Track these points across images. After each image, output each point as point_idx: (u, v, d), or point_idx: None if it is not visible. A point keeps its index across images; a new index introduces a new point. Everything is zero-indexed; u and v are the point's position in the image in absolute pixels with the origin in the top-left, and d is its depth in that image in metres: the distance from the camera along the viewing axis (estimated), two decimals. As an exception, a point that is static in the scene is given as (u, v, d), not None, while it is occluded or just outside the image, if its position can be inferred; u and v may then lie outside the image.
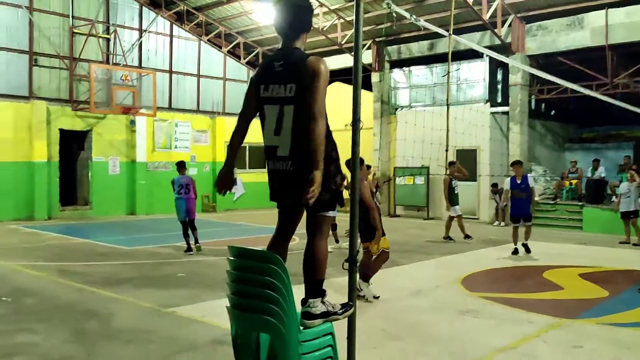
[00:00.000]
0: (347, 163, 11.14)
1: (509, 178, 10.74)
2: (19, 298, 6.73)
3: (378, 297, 6.80)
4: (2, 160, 15.57)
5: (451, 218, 12.47)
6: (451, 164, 12.45)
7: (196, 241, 10.34)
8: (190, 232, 10.28)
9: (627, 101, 14.00)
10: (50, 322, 5.69)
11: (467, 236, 12.22)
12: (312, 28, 3.59)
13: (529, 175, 10.68)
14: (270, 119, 3.34)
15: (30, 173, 15.92)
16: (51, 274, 8.26)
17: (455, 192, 12.49)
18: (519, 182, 10.43)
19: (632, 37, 14.08)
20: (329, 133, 3.35)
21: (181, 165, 10.65)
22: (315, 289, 3.33)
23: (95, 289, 7.27)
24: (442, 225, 13.01)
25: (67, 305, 6.43)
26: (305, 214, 3.45)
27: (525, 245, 10.36)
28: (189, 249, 10.26)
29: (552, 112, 20.88)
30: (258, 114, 3.48)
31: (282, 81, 3.27)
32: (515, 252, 10.39)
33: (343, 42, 18.19)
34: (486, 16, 14.78)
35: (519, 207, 10.51)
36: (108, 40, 17.80)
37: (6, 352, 4.77)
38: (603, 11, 14.35)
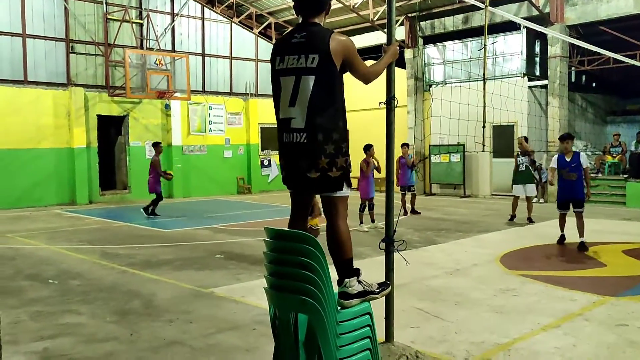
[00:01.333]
0: (366, 148, 11.24)
1: (557, 155, 9.11)
2: (64, 280, 6.95)
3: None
4: (44, 147, 16.03)
5: (515, 198, 11.78)
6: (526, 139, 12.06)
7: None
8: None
9: (674, 70, 13.43)
10: (94, 304, 5.86)
11: (529, 219, 11.56)
12: (329, 9, 3.54)
13: (581, 152, 8.96)
14: (286, 91, 3.30)
15: (71, 159, 16.36)
16: (94, 256, 8.51)
17: (520, 170, 11.72)
18: (568, 160, 8.70)
19: (679, 3, 13.42)
20: (344, 108, 3.32)
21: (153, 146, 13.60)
22: (347, 269, 3.32)
23: (136, 270, 7.45)
24: (479, 202, 12.82)
25: (110, 286, 6.61)
26: (320, 196, 3.43)
27: (582, 244, 8.54)
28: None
29: (594, 84, 20.20)
30: (272, 89, 3.44)
31: (304, 52, 3.24)
32: (562, 240, 8.97)
33: (375, 19, 17.89)
34: (523, -14, 14.30)
35: (568, 191, 8.72)
36: (141, 25, 17.99)
37: (53, 332, 4.94)
38: (648, -24, 13.70)
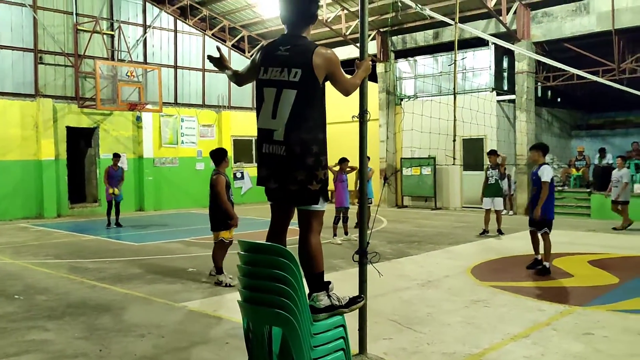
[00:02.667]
0: (341, 161, 10.97)
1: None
2: (31, 295, 6.79)
3: (232, 278, 7.03)
4: (11, 159, 15.67)
5: (487, 211, 11.80)
6: (490, 153, 12.00)
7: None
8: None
9: (634, 86, 13.90)
10: (62, 319, 5.74)
11: (498, 230, 11.72)
12: (316, 21, 3.60)
13: (545, 165, 7.93)
14: (268, 102, 3.34)
15: (39, 171, 16.02)
16: (62, 271, 8.33)
17: (489, 183, 11.79)
18: (533, 171, 8.17)
19: (639, 21, 13.93)
20: (324, 122, 3.37)
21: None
22: (317, 283, 3.34)
23: (106, 285, 7.32)
24: (450, 214, 12.99)
25: (79, 301, 6.48)
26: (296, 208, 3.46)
27: (542, 267, 7.87)
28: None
29: (559, 99, 20.78)
30: (255, 97, 3.50)
31: (287, 65, 3.27)
32: (534, 264, 8.08)
33: (347, 33, 18.12)
34: (491, 4, 14.68)
35: (530, 207, 8.09)
36: (112, 36, 17.82)
37: (18, 349, 4.82)
38: (609, -4, 14.21)
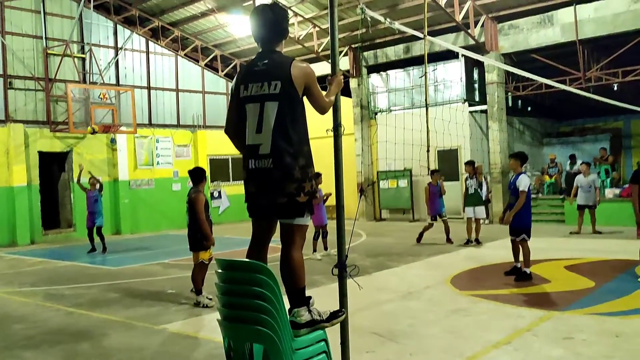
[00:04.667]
0: (315, 176, 11.13)
1: None
2: (6, 325, 6.63)
3: (211, 298, 7.05)
4: (-19, 187, 15.35)
5: (469, 220, 11.93)
6: (467, 163, 12.16)
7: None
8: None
9: (600, 93, 14.31)
10: (40, 348, 5.62)
11: (476, 240, 11.91)
12: (288, 35, 3.65)
13: (523, 174, 8.08)
14: (252, 118, 3.35)
15: (11, 198, 15.68)
16: (38, 298, 8.15)
17: (469, 192, 11.93)
18: (511, 181, 8.30)
19: (601, 32, 14.38)
20: (307, 134, 3.40)
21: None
22: (298, 298, 3.33)
23: (84, 311, 7.19)
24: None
25: (56, 329, 6.35)
26: (279, 223, 3.46)
27: (523, 273, 8.01)
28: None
29: (529, 109, 21.21)
30: (236, 117, 3.48)
31: (266, 79, 3.31)
32: (512, 271, 8.24)
33: (320, 50, 18.29)
34: (459, 17, 14.98)
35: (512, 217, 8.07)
36: (84, 59, 17.69)
37: (-3, 380, 4.70)
38: (571, 7, 14.62)
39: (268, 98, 3.29)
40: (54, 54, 16.90)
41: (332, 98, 3.60)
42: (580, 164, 13.70)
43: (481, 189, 12.35)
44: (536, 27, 15.41)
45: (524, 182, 7.96)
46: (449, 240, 12.14)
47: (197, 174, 7.24)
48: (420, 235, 12.36)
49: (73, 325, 6.49)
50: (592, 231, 12.85)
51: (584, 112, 21.29)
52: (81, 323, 6.57)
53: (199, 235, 7.06)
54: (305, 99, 3.40)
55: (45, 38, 16.87)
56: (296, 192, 3.27)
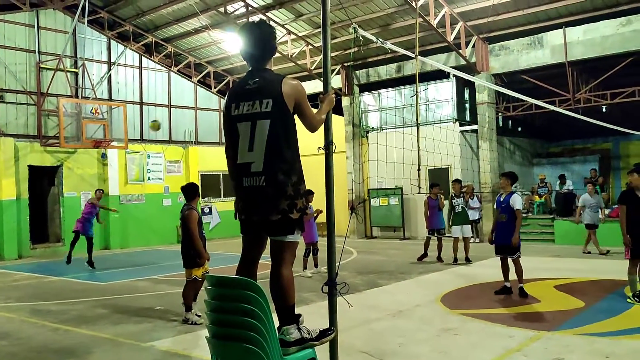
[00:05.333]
0: (307, 193, 11.07)
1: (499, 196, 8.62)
2: (-10, 341, 6.52)
3: (200, 315, 7.00)
4: (-31, 200, 15.20)
5: (455, 239, 11.94)
6: (455, 181, 12.24)
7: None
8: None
9: (589, 115, 14.47)
10: (24, 364, 5.52)
11: (466, 258, 11.91)
12: (276, 52, 3.68)
13: (515, 193, 8.28)
14: (244, 136, 3.36)
15: (-1, 212, 15.55)
16: (24, 314, 8.03)
17: (456, 211, 11.94)
18: (501, 199, 8.33)
19: (590, 54, 14.61)
20: (298, 151, 3.41)
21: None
22: (287, 316, 3.32)
23: (70, 327, 7.09)
24: (418, 243, 13.10)
25: (41, 345, 6.25)
26: (269, 240, 3.46)
27: (521, 290, 8.16)
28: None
29: (519, 129, 21.40)
30: (228, 136, 3.50)
31: (257, 97, 3.32)
32: (503, 290, 8.29)
33: (312, 68, 18.42)
34: (450, 38, 15.18)
35: (499, 234, 8.29)
36: (76, 74, 17.69)
37: (-21, 398, 4.61)
38: (561, 30, 14.88)
39: (259, 116, 3.30)
40: (47, 68, 16.89)
41: (323, 116, 3.61)
42: (587, 185, 13.62)
43: (467, 208, 12.39)
44: (526, 49, 15.63)
45: (518, 201, 8.20)
46: (439, 259, 12.14)
47: (190, 190, 7.22)
48: (425, 253, 12.29)
49: (58, 342, 6.39)
50: (583, 250, 12.90)
51: (574, 133, 21.53)
52: (67, 340, 6.47)
53: (192, 252, 7.02)
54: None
55: (39, 52, 16.87)
56: (289, 209, 3.28)
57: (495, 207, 8.50)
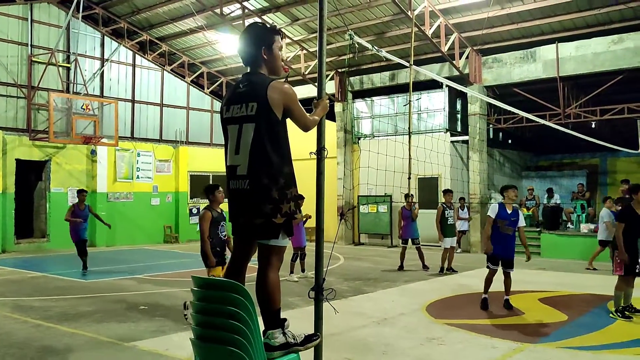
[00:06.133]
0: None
1: (496, 205, 8.23)
2: (-30, 336, 6.44)
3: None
4: (-46, 192, 15.02)
5: (445, 250, 11.92)
6: (447, 192, 12.04)
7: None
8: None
9: (578, 130, 14.63)
10: (4, 360, 5.46)
11: (449, 269, 11.86)
12: (272, 56, 3.63)
13: (519, 208, 8.30)
14: (232, 139, 3.39)
15: (-16, 205, 15.38)
16: (5, 309, 7.94)
17: (449, 223, 11.91)
18: (509, 212, 8.06)
19: (581, 70, 14.78)
20: (288, 155, 3.41)
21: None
22: (273, 320, 3.30)
23: (52, 324, 7.02)
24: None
25: (22, 342, 6.17)
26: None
27: (507, 302, 8.16)
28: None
29: (510, 141, 21.57)
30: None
31: (244, 100, 3.34)
32: (486, 305, 8.15)
33: (306, 73, 18.44)
34: (444, 48, 15.27)
35: (503, 246, 8.02)
36: (68, 69, 17.58)
37: (-44, 393, 4.54)
38: (554, 45, 15.05)
39: (246, 120, 3.32)
40: (39, 62, 16.78)
41: (316, 118, 3.62)
42: (605, 200, 12.48)
43: (462, 220, 12.44)
44: (519, 62, 15.78)
45: (522, 216, 8.27)
46: (425, 267, 12.17)
47: (206, 191, 7.17)
48: (401, 263, 12.37)
49: (39, 339, 6.32)
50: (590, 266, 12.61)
51: (563, 148, 21.74)
52: (48, 337, 6.40)
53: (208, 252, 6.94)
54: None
55: (31, 45, 16.75)
56: (272, 213, 3.26)
57: (496, 217, 7.98)
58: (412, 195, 12.67)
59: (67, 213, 11.79)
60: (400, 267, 12.37)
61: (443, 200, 12.15)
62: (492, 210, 8.10)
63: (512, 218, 8.03)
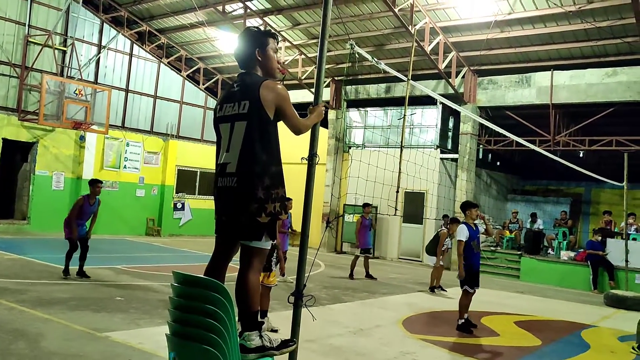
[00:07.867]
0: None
1: (463, 225, 8.03)
2: (-60, 313, 6.34)
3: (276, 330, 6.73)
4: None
5: (436, 268, 11.66)
6: (454, 220, 11.57)
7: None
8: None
9: (566, 158, 14.77)
10: (-27, 341, 5.37)
11: (439, 287, 11.68)
12: (267, 52, 3.63)
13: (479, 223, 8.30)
14: (224, 137, 3.41)
15: (-34, 182, 15.18)
16: (-21, 289, 7.83)
17: (449, 247, 11.93)
18: (474, 229, 7.99)
19: (574, 99, 14.98)
20: (278, 155, 3.41)
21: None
22: (250, 322, 3.29)
23: (25, 308, 6.93)
24: (386, 264, 13.16)
25: (-7, 323, 6.09)
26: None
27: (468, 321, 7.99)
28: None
29: (498, 163, 21.74)
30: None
31: (237, 99, 3.37)
32: (469, 327, 7.88)
33: (303, 78, 18.47)
34: (441, 66, 15.39)
35: (478, 266, 8.00)
36: (64, 52, 17.45)
37: None
38: (549, 72, 15.24)
39: (237, 118, 3.34)
40: (35, 43, 16.63)
41: (309, 123, 3.61)
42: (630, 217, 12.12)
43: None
44: (514, 86, 15.95)
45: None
46: (369, 276, 12.51)
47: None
48: (351, 272, 12.60)
49: (11, 322, 6.23)
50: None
51: (549, 174, 21.96)
52: (20, 321, 6.32)
53: None
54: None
55: (29, 25, 16.61)
56: (257, 212, 3.26)
57: (467, 239, 7.79)
58: (370, 204, 13.13)
59: (74, 209, 9.52)
60: (351, 275, 12.52)
61: (448, 227, 11.75)
62: (462, 234, 7.83)
63: (477, 235, 7.99)
